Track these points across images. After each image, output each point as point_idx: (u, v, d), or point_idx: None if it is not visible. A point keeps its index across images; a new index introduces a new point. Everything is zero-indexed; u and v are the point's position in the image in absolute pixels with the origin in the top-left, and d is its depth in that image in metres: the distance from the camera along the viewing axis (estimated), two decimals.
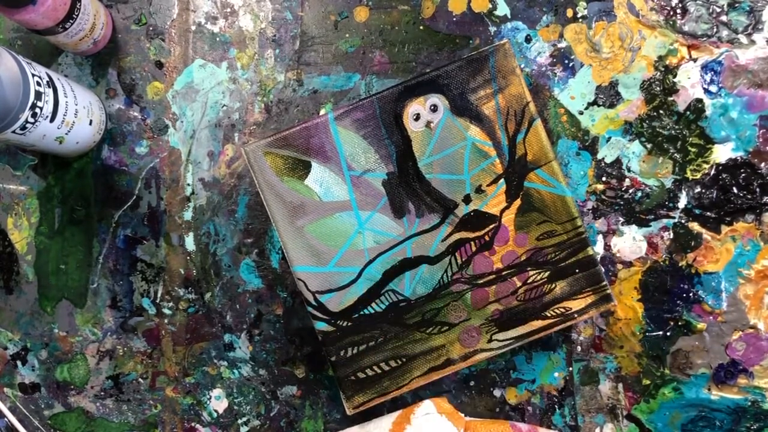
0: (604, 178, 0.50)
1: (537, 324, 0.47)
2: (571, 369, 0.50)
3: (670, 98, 0.49)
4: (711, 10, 0.49)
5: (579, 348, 0.50)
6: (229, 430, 0.52)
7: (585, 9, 0.50)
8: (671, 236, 0.50)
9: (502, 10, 0.50)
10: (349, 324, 0.47)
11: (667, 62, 0.49)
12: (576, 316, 0.47)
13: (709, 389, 0.50)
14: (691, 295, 0.49)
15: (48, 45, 0.52)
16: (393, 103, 0.47)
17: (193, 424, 0.52)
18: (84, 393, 0.52)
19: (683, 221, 0.49)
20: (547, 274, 0.47)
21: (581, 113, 0.50)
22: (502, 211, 0.47)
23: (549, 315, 0.47)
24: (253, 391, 0.52)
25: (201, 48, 0.51)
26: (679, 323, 0.50)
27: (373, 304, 0.47)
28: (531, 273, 0.47)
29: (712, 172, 0.49)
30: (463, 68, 0.47)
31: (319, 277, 0.47)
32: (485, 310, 0.47)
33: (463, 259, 0.47)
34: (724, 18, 0.49)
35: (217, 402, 0.52)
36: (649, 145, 0.50)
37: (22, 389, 0.52)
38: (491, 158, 0.47)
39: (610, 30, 0.50)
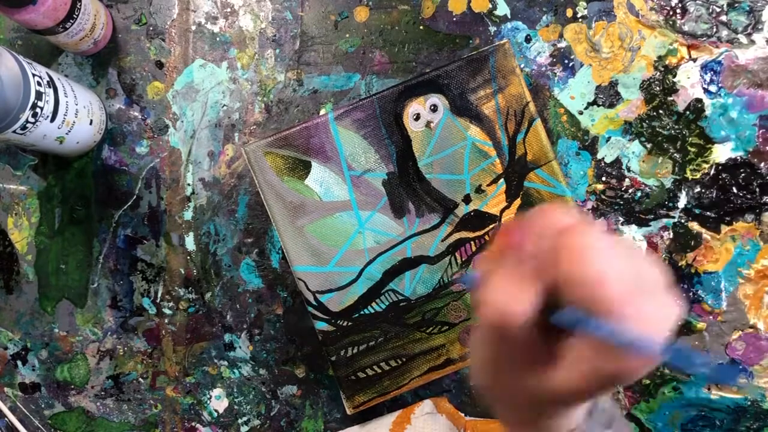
0: (603, 178, 0.50)
1: None
2: None
3: (670, 98, 0.49)
4: (711, 10, 0.49)
5: None
6: (230, 430, 0.52)
7: (585, 9, 0.50)
8: (671, 236, 0.50)
9: (502, 10, 0.50)
10: (349, 324, 0.47)
11: (667, 62, 0.49)
12: None
13: (708, 389, 0.50)
14: (690, 294, 0.49)
15: (48, 45, 0.52)
16: (393, 103, 0.47)
17: (193, 424, 0.52)
18: (84, 393, 0.52)
19: (683, 221, 0.49)
20: None
21: (581, 113, 0.50)
22: (502, 210, 0.47)
23: None
24: (254, 390, 0.52)
25: (201, 48, 0.51)
26: (679, 323, 0.50)
27: (373, 304, 0.47)
28: None
29: (712, 171, 0.49)
30: (463, 68, 0.47)
31: (320, 277, 0.47)
32: None
33: (463, 259, 0.47)
34: (723, 18, 0.49)
35: (218, 402, 0.52)
36: (648, 145, 0.50)
37: (23, 389, 0.52)
38: (491, 158, 0.47)
39: (610, 30, 0.50)
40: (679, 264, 0.50)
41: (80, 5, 0.45)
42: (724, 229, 0.49)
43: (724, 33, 0.49)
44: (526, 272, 0.26)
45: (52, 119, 0.44)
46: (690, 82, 0.49)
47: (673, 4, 0.49)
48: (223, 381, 0.52)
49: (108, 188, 0.51)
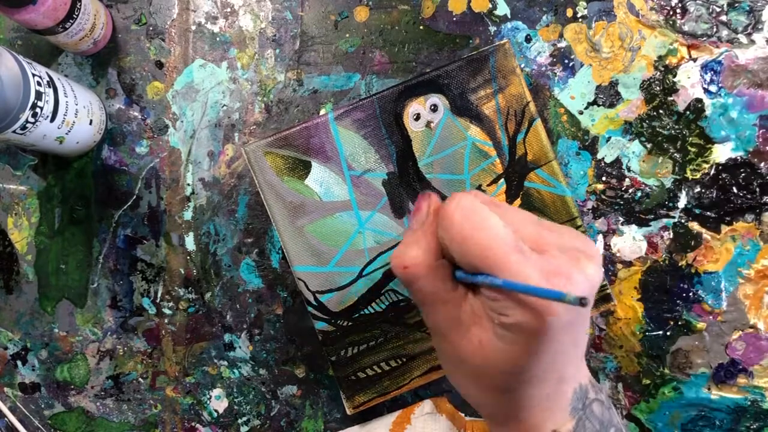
0: (604, 178, 0.50)
1: None
2: None
3: (670, 98, 0.49)
4: (711, 10, 0.49)
5: None
6: (229, 430, 0.52)
7: (585, 9, 0.50)
8: (671, 236, 0.50)
9: (502, 9, 0.50)
10: (349, 324, 0.47)
11: (667, 62, 0.49)
12: None
13: (708, 389, 0.50)
14: (690, 294, 0.49)
15: (48, 45, 0.52)
16: (393, 103, 0.47)
17: (193, 424, 0.52)
18: (84, 393, 0.52)
19: (683, 221, 0.49)
20: None
21: (581, 113, 0.50)
22: None
23: None
24: (253, 390, 0.52)
25: (201, 48, 0.51)
26: (679, 323, 0.50)
27: (374, 304, 0.47)
28: None
29: (712, 171, 0.49)
30: (463, 68, 0.47)
31: (320, 277, 0.47)
32: None
33: None
34: (723, 18, 0.49)
35: (217, 402, 0.52)
36: (649, 145, 0.50)
37: (22, 389, 0.52)
38: (491, 158, 0.47)
39: (610, 30, 0.50)
40: (679, 264, 0.50)
41: (80, 5, 0.45)
42: (724, 229, 0.49)
43: (725, 33, 0.49)
44: (420, 231, 0.31)
45: (52, 119, 0.44)
46: (690, 82, 0.49)
47: (673, 4, 0.49)
48: (223, 381, 0.52)
49: (108, 188, 0.51)
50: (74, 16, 0.45)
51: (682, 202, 0.49)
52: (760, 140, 0.49)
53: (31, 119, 0.42)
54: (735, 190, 0.49)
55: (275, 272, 0.51)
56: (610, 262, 0.50)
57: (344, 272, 0.47)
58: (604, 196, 0.50)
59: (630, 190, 0.50)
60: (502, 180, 0.47)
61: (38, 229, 0.52)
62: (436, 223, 0.30)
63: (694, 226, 0.49)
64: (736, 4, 0.49)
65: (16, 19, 0.43)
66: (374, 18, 0.51)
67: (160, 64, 0.51)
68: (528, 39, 0.50)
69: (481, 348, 0.28)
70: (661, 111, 0.50)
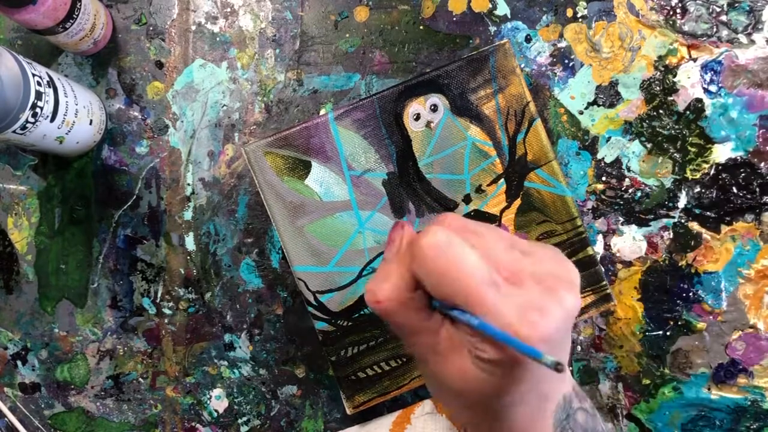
0: (604, 178, 0.50)
1: None
2: (571, 368, 0.50)
3: (670, 98, 0.49)
4: (711, 10, 0.49)
5: (579, 347, 0.50)
6: (230, 430, 0.52)
7: (585, 9, 0.50)
8: (671, 236, 0.50)
9: (502, 9, 0.50)
10: (349, 324, 0.47)
11: (667, 62, 0.49)
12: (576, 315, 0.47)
13: (708, 389, 0.50)
14: (690, 294, 0.49)
15: (48, 45, 0.52)
16: (393, 103, 0.47)
17: (193, 424, 0.52)
18: (84, 393, 0.52)
19: (683, 221, 0.49)
20: None
21: (581, 113, 0.50)
22: (502, 210, 0.47)
23: None
24: (254, 390, 0.52)
25: (201, 48, 0.51)
26: (679, 323, 0.50)
27: None
28: None
29: (712, 171, 0.49)
30: (463, 68, 0.47)
31: (320, 277, 0.47)
32: None
33: None
34: (723, 18, 0.49)
35: (218, 402, 0.52)
36: (648, 145, 0.50)
37: (23, 389, 0.52)
38: (491, 158, 0.47)
39: (610, 30, 0.50)
40: (679, 264, 0.50)
41: (80, 5, 0.45)
42: (724, 229, 0.49)
43: (724, 33, 0.49)
44: (394, 263, 0.30)
45: (52, 119, 0.44)
46: (690, 82, 0.49)
47: (673, 4, 0.49)
48: (223, 381, 0.52)
49: (108, 188, 0.51)
50: (74, 16, 0.45)
51: (682, 202, 0.49)
52: (760, 140, 0.49)
53: (31, 119, 0.42)
54: (735, 190, 0.49)
55: (275, 272, 0.51)
56: (610, 262, 0.50)
57: (344, 272, 0.47)
58: (604, 196, 0.50)
59: (630, 190, 0.50)
60: (502, 180, 0.47)
61: (38, 229, 0.52)
62: (410, 255, 0.29)
63: (694, 226, 0.49)
64: (736, 4, 0.49)
65: (16, 19, 0.43)
66: (374, 18, 0.51)
67: (160, 64, 0.51)
68: (528, 39, 0.50)
69: (461, 374, 0.28)
70: (661, 111, 0.50)
